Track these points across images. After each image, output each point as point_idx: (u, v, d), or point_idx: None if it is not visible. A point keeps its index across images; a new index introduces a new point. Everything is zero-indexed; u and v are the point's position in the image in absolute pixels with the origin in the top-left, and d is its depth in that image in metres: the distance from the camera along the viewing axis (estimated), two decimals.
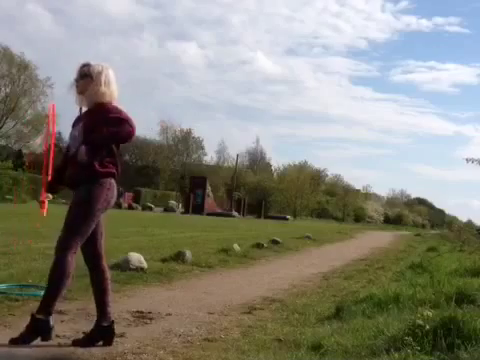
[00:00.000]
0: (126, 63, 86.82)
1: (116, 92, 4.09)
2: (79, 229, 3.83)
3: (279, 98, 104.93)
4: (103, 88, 3.97)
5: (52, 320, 3.80)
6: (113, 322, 3.96)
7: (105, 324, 3.92)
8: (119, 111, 3.97)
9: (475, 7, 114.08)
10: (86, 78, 3.99)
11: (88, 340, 3.84)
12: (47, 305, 3.81)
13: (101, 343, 3.84)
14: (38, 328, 3.73)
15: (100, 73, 3.99)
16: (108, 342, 3.86)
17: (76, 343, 3.80)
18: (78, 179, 3.93)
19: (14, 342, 3.65)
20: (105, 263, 4.05)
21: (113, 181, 4.00)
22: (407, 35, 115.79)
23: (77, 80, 4.05)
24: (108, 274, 4.06)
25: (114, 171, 3.99)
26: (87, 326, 4.28)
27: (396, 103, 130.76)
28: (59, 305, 4.82)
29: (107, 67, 4.08)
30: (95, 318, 4.00)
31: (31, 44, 72.28)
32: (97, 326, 3.93)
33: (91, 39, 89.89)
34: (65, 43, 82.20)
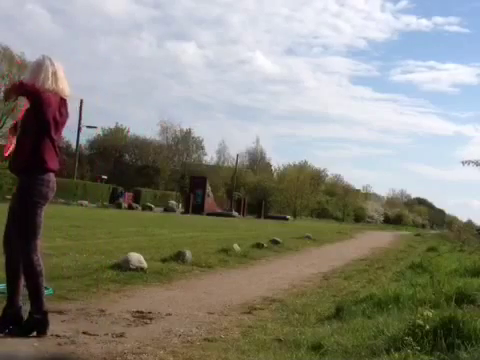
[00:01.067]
0: (125, 63, 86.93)
1: (59, 80, 4.05)
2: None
3: (279, 98, 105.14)
4: (41, 82, 3.97)
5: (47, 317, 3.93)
6: (47, 312, 3.96)
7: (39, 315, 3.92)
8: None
9: (474, 7, 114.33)
10: (30, 74, 4.09)
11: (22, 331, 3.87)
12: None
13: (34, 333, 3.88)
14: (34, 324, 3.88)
15: (39, 65, 4.05)
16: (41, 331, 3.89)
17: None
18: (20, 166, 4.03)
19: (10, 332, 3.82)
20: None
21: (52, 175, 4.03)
22: (407, 35, 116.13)
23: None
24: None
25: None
26: (87, 326, 4.29)
27: (396, 103, 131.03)
28: (59, 305, 4.83)
29: (49, 57, 4.11)
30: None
31: (30, 44, 72.27)
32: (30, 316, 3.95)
33: (90, 39, 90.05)
34: (64, 43, 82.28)
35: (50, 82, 4.01)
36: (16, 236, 3.95)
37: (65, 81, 4.12)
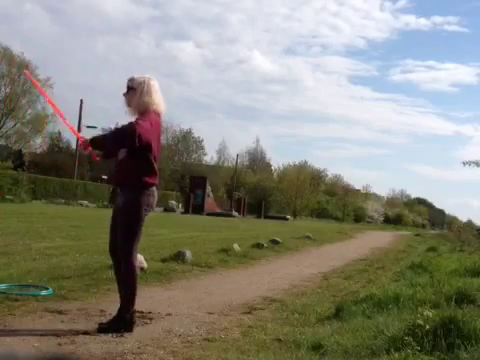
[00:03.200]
0: (124, 63, 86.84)
1: (160, 100, 4.38)
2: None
3: (278, 98, 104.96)
4: (145, 98, 4.29)
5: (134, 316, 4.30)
6: (135, 312, 4.34)
7: (127, 315, 4.24)
8: (140, 118, 4.24)
9: (474, 6, 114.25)
10: (131, 91, 4.36)
11: (108, 328, 4.17)
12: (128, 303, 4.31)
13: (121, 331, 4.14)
14: (123, 322, 4.21)
15: (141, 84, 4.33)
16: (128, 330, 4.19)
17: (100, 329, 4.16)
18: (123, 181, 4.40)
19: (101, 330, 4.12)
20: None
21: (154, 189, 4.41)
22: (406, 34, 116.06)
23: (125, 94, 4.41)
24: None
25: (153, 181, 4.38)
26: (87, 326, 4.29)
27: (395, 103, 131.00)
28: (59, 305, 4.84)
29: (150, 78, 4.41)
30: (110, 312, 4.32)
31: (29, 43, 72.23)
32: (119, 315, 4.28)
33: (89, 38, 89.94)
34: (63, 42, 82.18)
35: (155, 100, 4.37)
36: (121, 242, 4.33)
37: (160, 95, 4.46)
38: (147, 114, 4.27)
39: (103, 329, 4.14)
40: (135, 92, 4.33)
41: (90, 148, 4.28)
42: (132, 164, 4.29)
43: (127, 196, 4.34)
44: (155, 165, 4.38)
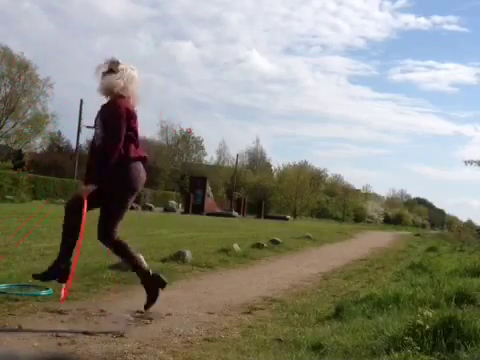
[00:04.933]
0: (123, 62, 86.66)
1: (135, 92, 4.46)
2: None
3: (278, 97, 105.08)
4: (120, 80, 4.36)
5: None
6: (149, 271, 4.70)
7: (148, 276, 4.66)
8: (117, 106, 4.31)
9: (473, 6, 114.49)
10: (110, 73, 4.43)
11: (152, 296, 4.66)
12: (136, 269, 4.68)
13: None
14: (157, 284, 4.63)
15: (124, 69, 4.43)
16: (162, 285, 4.69)
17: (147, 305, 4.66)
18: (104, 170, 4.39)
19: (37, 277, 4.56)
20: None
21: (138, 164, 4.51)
22: (405, 34, 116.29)
23: (104, 74, 4.47)
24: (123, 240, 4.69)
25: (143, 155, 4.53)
26: (87, 326, 4.28)
27: (395, 103, 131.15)
28: (59, 305, 4.83)
29: (132, 68, 4.50)
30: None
31: (28, 43, 72.35)
32: (145, 285, 4.70)
33: (88, 38, 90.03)
34: (62, 42, 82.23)
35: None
36: None
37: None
38: (119, 98, 4.35)
39: (150, 300, 4.60)
40: (114, 74, 4.41)
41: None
42: (111, 149, 4.35)
43: (115, 177, 4.41)
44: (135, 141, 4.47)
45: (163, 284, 4.65)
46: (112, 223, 4.52)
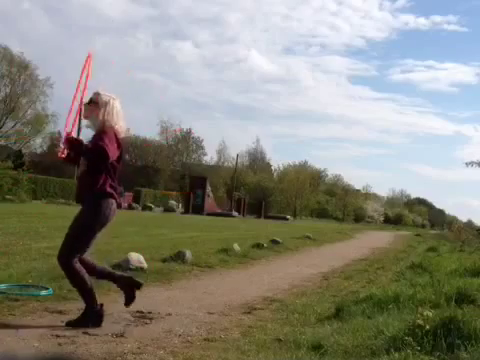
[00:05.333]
0: (122, 62, 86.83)
1: (120, 121, 4.45)
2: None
3: (278, 97, 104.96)
4: (106, 117, 4.36)
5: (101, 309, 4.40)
6: (101, 305, 4.44)
7: (95, 309, 4.38)
8: (102, 139, 4.28)
9: (473, 5, 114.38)
10: (93, 104, 4.43)
11: (77, 324, 4.29)
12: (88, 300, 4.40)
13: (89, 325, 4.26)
14: (89, 317, 4.32)
15: (106, 103, 4.40)
16: (97, 324, 4.31)
17: (69, 324, 4.28)
18: (83, 194, 4.42)
19: (69, 324, 4.25)
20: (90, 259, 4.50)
21: (113, 201, 4.44)
22: (405, 34, 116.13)
23: (86, 105, 4.49)
24: (81, 268, 4.39)
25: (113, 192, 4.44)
26: (87, 326, 4.28)
27: (395, 103, 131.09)
28: (59, 305, 4.84)
29: (114, 98, 4.47)
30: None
31: (28, 43, 72.29)
32: (86, 311, 4.38)
33: (87, 38, 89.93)
34: (61, 42, 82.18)
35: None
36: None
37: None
38: (106, 132, 4.33)
39: (70, 323, 4.27)
40: (98, 108, 4.39)
41: (68, 144, 4.31)
42: (92, 178, 4.36)
43: (86, 205, 4.39)
44: (114, 179, 4.46)
45: (97, 323, 4.35)
46: (68, 247, 4.33)
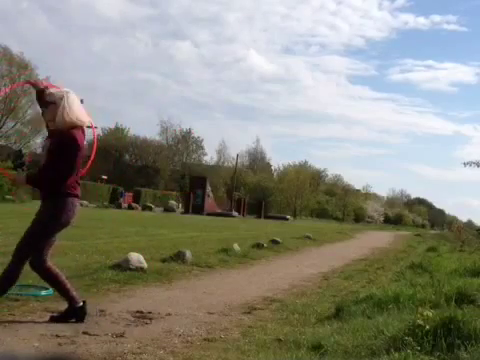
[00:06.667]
0: (122, 62, 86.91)
1: (82, 113, 4.40)
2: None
3: (277, 97, 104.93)
4: (67, 113, 4.30)
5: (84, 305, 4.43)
6: (84, 302, 4.46)
7: (78, 305, 4.40)
8: (71, 133, 4.28)
9: (473, 5, 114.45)
10: (51, 105, 4.35)
11: (60, 318, 4.34)
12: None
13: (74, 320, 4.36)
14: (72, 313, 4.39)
15: (62, 99, 4.33)
16: (80, 320, 4.38)
17: (52, 319, 4.34)
18: (43, 193, 4.42)
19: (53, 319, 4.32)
20: (49, 262, 4.43)
21: (75, 200, 4.39)
22: (404, 33, 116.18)
23: (43, 109, 4.45)
24: (55, 267, 4.47)
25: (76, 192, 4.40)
26: (87, 326, 4.29)
27: (395, 102, 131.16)
28: (59, 305, 4.83)
29: (68, 92, 4.41)
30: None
31: (27, 43, 72.32)
32: (69, 308, 4.42)
33: (87, 38, 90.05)
34: (60, 42, 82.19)
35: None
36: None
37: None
38: (72, 129, 4.31)
39: (55, 319, 4.34)
40: (56, 107, 4.32)
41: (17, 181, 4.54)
42: (53, 173, 4.31)
43: (49, 204, 4.37)
44: (77, 177, 4.42)
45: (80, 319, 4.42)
46: (25, 243, 4.34)
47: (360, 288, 7.35)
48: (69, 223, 4.42)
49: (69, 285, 4.46)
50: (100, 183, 45.51)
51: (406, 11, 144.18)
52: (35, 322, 4.32)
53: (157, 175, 56.75)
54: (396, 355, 3.47)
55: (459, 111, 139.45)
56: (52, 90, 4.47)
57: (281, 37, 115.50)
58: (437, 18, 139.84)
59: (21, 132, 47.08)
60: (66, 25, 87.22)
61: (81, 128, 4.40)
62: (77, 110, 4.37)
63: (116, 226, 16.07)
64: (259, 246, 12.23)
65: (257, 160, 73.74)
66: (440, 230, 69.57)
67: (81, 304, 4.43)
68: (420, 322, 3.78)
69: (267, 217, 49.55)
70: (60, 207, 4.32)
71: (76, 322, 4.34)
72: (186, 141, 63.98)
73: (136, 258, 7.20)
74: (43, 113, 4.49)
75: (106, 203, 39.76)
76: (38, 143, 50.88)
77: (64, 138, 4.27)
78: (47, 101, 4.40)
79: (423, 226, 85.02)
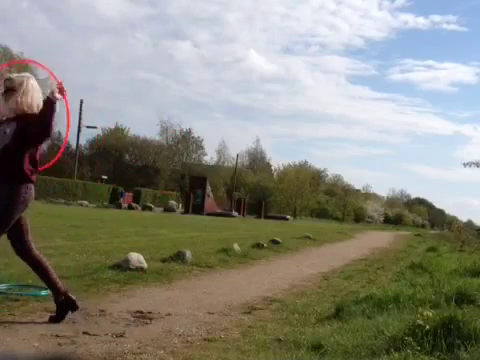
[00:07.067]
0: (122, 62, 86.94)
1: (38, 101, 4.35)
2: None
3: (277, 97, 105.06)
4: (25, 98, 4.27)
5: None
6: (67, 292, 4.44)
7: (62, 298, 4.36)
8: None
9: (473, 5, 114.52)
10: (10, 92, 4.31)
11: (59, 316, 4.33)
12: None
13: (70, 313, 4.38)
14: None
15: (21, 84, 4.30)
16: (74, 308, 4.40)
17: (51, 319, 4.33)
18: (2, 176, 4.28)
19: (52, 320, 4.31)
20: (35, 250, 4.44)
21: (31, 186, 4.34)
22: (405, 33, 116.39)
23: (3, 94, 4.38)
24: (42, 256, 4.49)
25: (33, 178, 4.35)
26: (87, 326, 4.29)
27: (394, 102, 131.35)
28: None
29: (29, 77, 4.39)
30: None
31: (26, 43, 72.38)
32: (57, 303, 4.38)
33: (86, 38, 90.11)
34: (60, 42, 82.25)
35: None
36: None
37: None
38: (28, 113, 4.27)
39: (55, 319, 4.33)
40: (16, 93, 4.28)
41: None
42: (16, 155, 4.23)
43: (6, 189, 4.26)
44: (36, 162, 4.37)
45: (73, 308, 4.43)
46: None
47: (360, 288, 7.35)
48: (27, 206, 4.34)
49: (55, 275, 4.44)
50: (100, 183, 45.55)
51: (406, 11, 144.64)
52: (35, 322, 4.31)
53: (157, 175, 56.75)
54: (396, 355, 3.47)
55: (459, 111, 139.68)
56: (12, 76, 4.40)
57: (281, 37, 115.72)
58: (437, 18, 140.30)
59: None
60: (66, 25, 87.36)
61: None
62: (37, 98, 4.33)
63: (116, 226, 16.06)
64: (259, 246, 12.23)
65: (257, 160, 73.75)
66: (440, 230, 69.59)
67: (65, 294, 4.41)
68: (420, 322, 3.78)
69: (267, 217, 49.57)
70: (17, 192, 4.24)
71: (72, 311, 4.37)
72: (186, 141, 63.98)
73: (136, 258, 7.20)
74: (3, 98, 4.40)
75: (106, 203, 39.77)
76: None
77: (30, 122, 4.21)
78: (8, 87, 4.34)
79: (423, 226, 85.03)
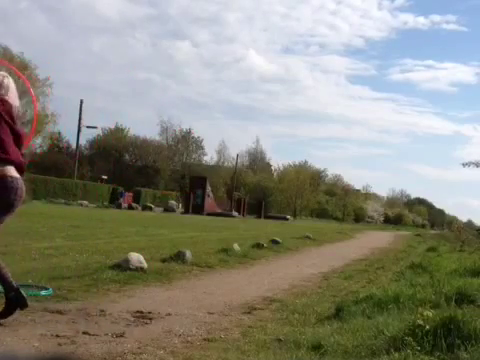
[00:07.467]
0: (122, 62, 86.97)
1: (14, 100, 4.29)
2: None
3: (277, 97, 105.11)
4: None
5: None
6: (18, 288, 4.30)
7: (12, 294, 4.25)
8: None
9: (472, 5, 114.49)
10: None
11: (7, 312, 4.22)
12: None
13: (18, 310, 4.24)
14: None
15: None
16: (23, 305, 4.24)
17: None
18: None
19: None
20: None
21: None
22: (404, 33, 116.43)
23: None
24: None
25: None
26: (87, 326, 4.28)
27: (394, 102, 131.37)
28: (59, 305, 4.84)
29: (5, 75, 4.32)
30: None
31: (26, 43, 72.41)
32: (7, 298, 4.27)
33: (86, 38, 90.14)
34: (60, 42, 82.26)
35: None
36: None
37: None
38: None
39: (1, 315, 4.23)
40: None
41: None
42: None
43: None
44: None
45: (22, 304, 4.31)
46: None
47: (360, 288, 7.35)
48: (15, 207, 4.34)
49: (7, 270, 4.37)
50: (100, 183, 45.54)
51: (406, 11, 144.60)
52: (35, 322, 4.31)
53: (157, 175, 56.75)
54: (396, 355, 3.47)
55: (459, 111, 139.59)
56: None
57: (281, 37, 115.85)
58: (437, 18, 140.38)
59: None
60: (65, 25, 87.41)
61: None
62: (12, 97, 4.27)
63: (116, 226, 16.06)
64: (259, 246, 12.23)
65: (257, 160, 73.76)
66: (440, 230, 69.60)
67: (16, 290, 4.31)
68: (420, 322, 3.78)
69: (267, 217, 49.57)
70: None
71: (21, 308, 4.24)
72: (186, 141, 63.98)
73: (136, 258, 7.20)
74: None
75: (106, 203, 39.77)
76: (38, 143, 50.87)
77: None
78: None
79: (423, 226, 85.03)
